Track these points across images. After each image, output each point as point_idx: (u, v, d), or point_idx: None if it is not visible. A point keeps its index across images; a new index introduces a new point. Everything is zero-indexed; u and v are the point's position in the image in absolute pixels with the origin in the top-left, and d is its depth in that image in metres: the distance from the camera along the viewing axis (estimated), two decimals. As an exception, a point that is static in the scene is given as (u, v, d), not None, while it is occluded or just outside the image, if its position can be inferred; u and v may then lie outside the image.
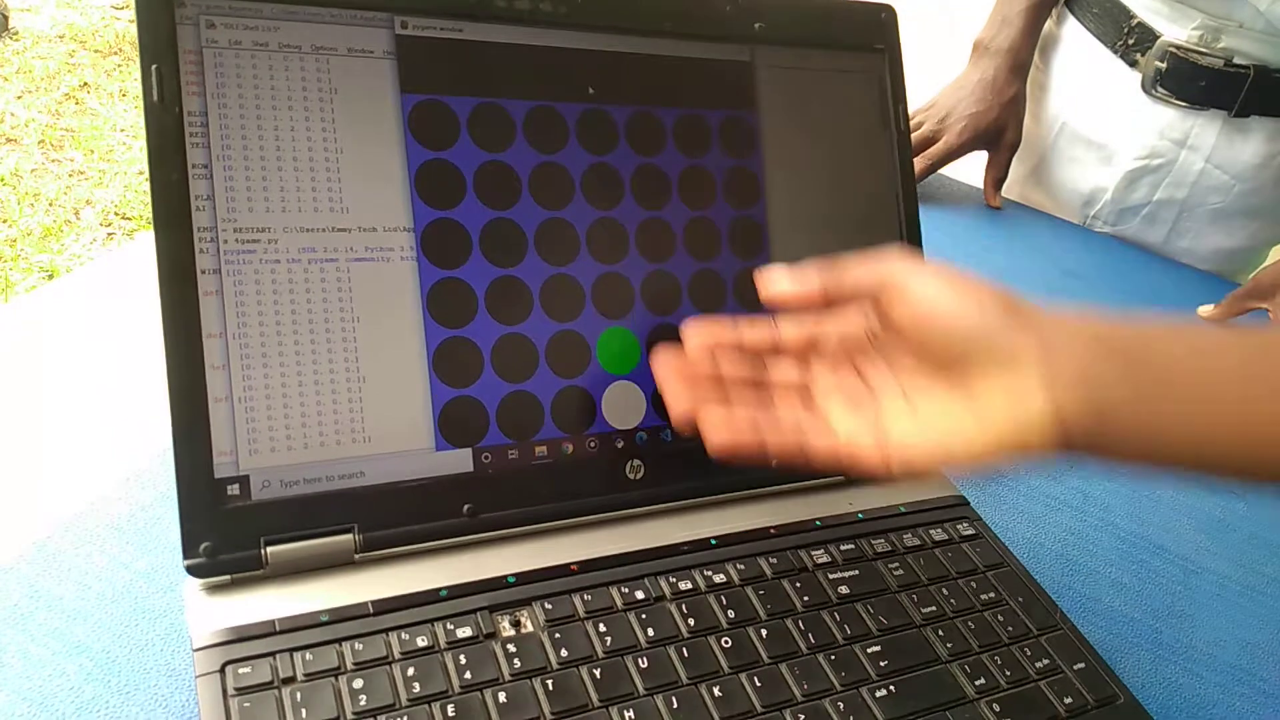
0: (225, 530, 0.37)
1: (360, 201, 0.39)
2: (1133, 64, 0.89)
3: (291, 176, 0.38)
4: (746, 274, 0.47)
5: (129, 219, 2.14)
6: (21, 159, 2.23)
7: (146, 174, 0.36)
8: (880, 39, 0.51)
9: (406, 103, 0.40)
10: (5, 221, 2.04)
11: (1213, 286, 0.91)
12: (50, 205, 2.12)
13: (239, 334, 0.37)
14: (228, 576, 0.37)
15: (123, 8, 2.99)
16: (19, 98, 2.44)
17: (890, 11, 0.51)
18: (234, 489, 0.37)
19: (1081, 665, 0.44)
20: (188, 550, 0.36)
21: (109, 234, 2.09)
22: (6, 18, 2.69)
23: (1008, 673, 0.43)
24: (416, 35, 0.40)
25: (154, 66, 0.36)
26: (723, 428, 0.35)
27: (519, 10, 0.42)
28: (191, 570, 0.36)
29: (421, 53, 0.40)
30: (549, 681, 0.37)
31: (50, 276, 1.91)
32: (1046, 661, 0.44)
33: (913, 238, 0.52)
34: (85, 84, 2.57)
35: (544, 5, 0.43)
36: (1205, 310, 0.84)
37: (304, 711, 0.34)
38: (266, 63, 0.38)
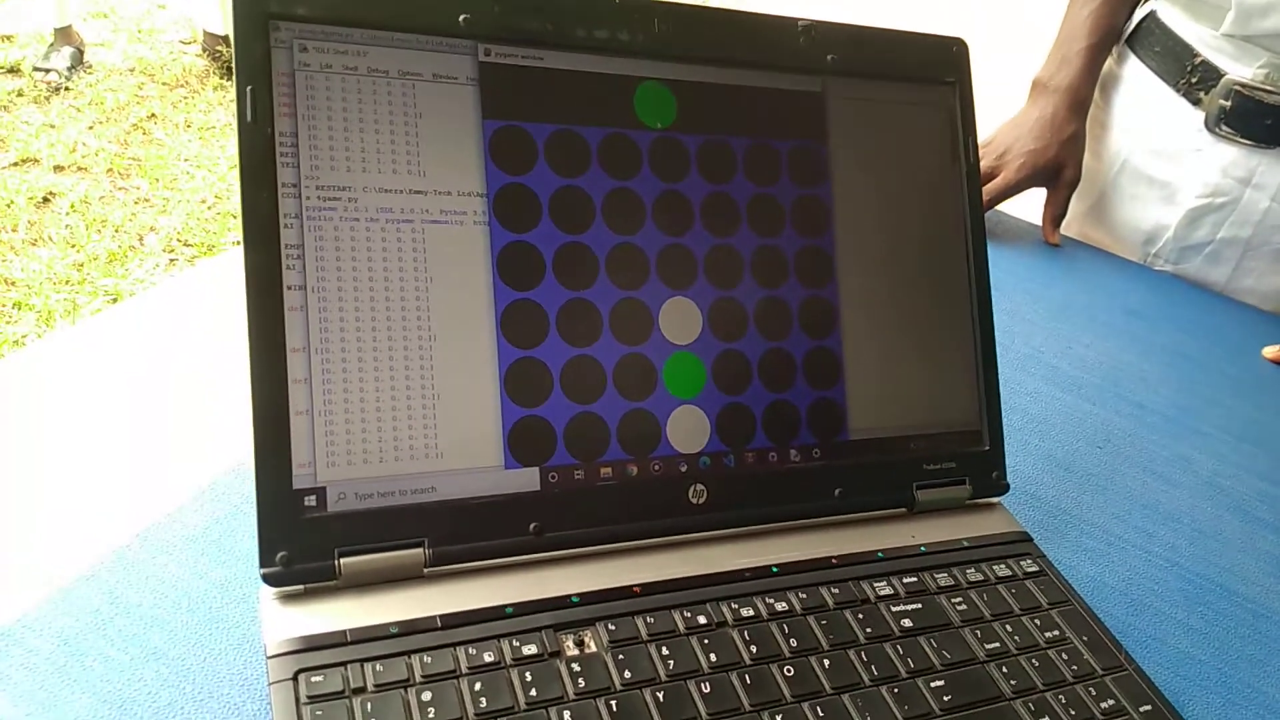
0: (301, 540, 0.37)
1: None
2: (1196, 102, 0.88)
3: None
4: (813, 302, 0.48)
5: (191, 245, 2.20)
6: (91, 187, 2.30)
7: (239, 191, 0.37)
8: (951, 72, 0.52)
9: (488, 128, 0.41)
10: (74, 247, 2.10)
11: (1275, 326, 0.89)
12: (116, 231, 2.18)
13: (321, 348, 0.38)
14: (301, 586, 0.38)
15: (190, 42, 3.09)
16: (90, 128, 2.52)
17: (961, 45, 0.52)
18: (311, 500, 0.38)
19: (1148, 707, 0.43)
20: (264, 559, 0.37)
21: (171, 259, 2.14)
22: (82, 52, 2.79)
23: (1072, 712, 0.42)
24: (499, 63, 0.41)
25: (249, 88, 0.37)
26: None
27: (597, 39, 0.43)
28: (267, 579, 0.37)
29: (503, 80, 0.41)
30: (613, 702, 0.37)
31: (114, 300, 1.96)
32: (1112, 702, 0.43)
33: (980, 271, 0.52)
34: (153, 115, 2.66)
35: (621, 35, 0.44)
36: (1269, 351, 0.83)
37: (374, 721, 0.34)
38: (355, 86, 0.39)
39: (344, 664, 0.35)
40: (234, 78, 0.37)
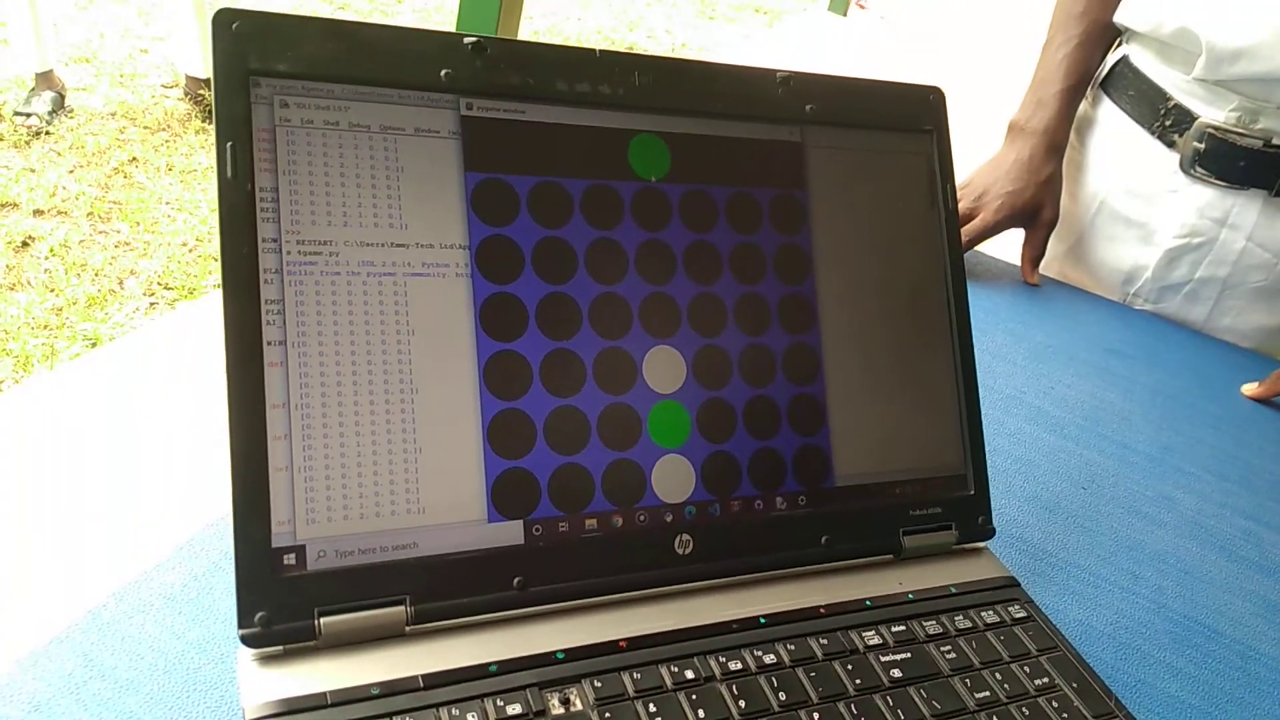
0: (280, 600, 0.37)
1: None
2: (1170, 144, 0.90)
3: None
4: (796, 349, 0.48)
5: (171, 289, 2.19)
6: (71, 231, 2.29)
7: (218, 247, 0.37)
8: (929, 120, 0.52)
9: (470, 181, 0.41)
10: (53, 291, 2.09)
11: (1254, 363, 0.90)
12: (96, 275, 2.17)
13: (301, 404, 0.37)
14: (281, 647, 0.37)
15: (172, 86, 3.10)
16: (71, 172, 2.52)
17: (938, 93, 0.52)
18: (290, 559, 0.37)
19: (1141, 755, 0.43)
20: (243, 620, 0.36)
21: (151, 303, 2.13)
22: (63, 96, 2.79)
23: (1066, 761, 0.42)
24: (481, 116, 0.41)
25: (229, 144, 0.37)
26: None
27: (579, 93, 0.43)
28: (246, 640, 0.36)
29: (485, 133, 0.42)
30: (600, 761, 0.36)
31: (93, 345, 1.94)
32: (1104, 750, 0.43)
33: (961, 316, 0.52)
34: (134, 159, 2.66)
35: (603, 88, 0.44)
36: (1248, 389, 0.84)
37: (356, 787, 0.33)
38: (336, 141, 0.39)
39: (324, 727, 0.35)
40: (214, 134, 0.37)
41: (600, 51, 0.44)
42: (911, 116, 0.52)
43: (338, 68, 0.39)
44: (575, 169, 0.43)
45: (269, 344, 0.37)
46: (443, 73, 0.41)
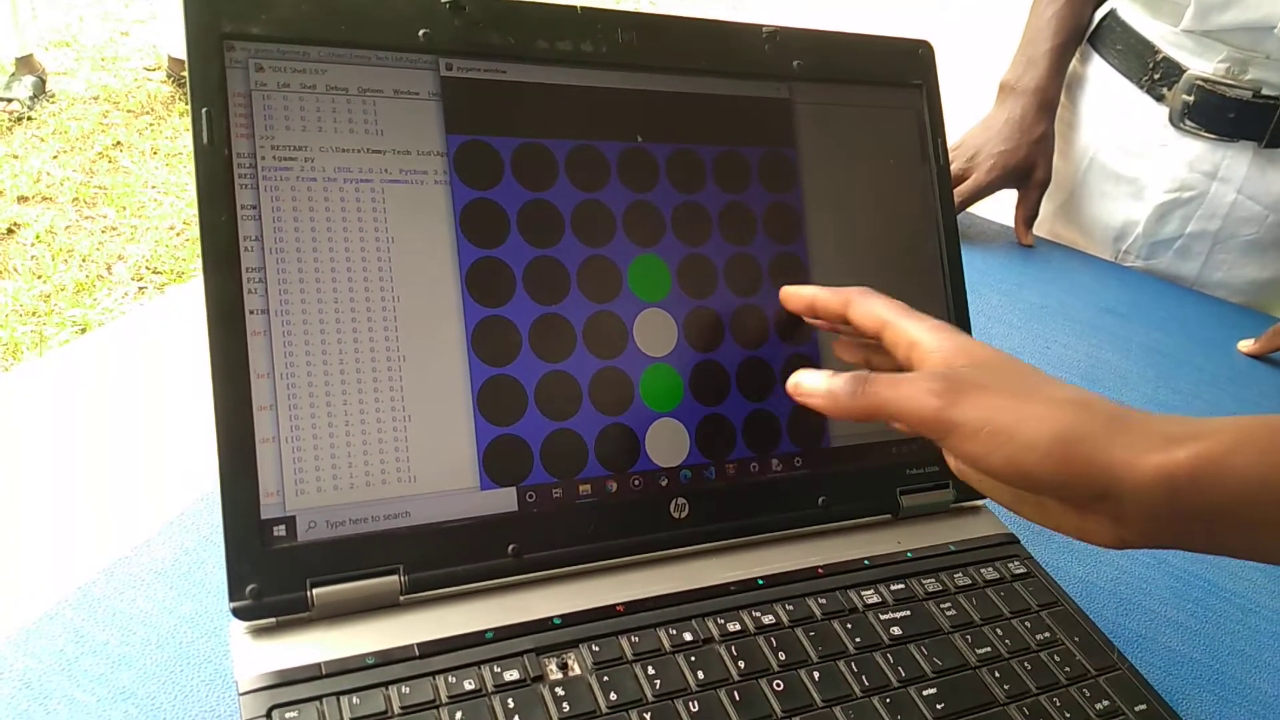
0: (271, 572, 0.36)
1: (403, 230, 0.39)
2: (1159, 98, 0.89)
3: (339, 216, 0.38)
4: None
5: (159, 273, 2.18)
6: (56, 217, 2.27)
7: (196, 215, 0.36)
8: (918, 74, 0.51)
9: (452, 143, 0.40)
10: (40, 277, 2.07)
11: (1249, 319, 0.90)
12: (83, 261, 2.15)
13: (286, 373, 0.37)
14: (273, 619, 0.36)
15: (155, 69, 3.06)
16: (55, 157, 2.49)
17: (927, 47, 0.52)
18: (280, 530, 0.36)
19: (1143, 707, 0.43)
20: (234, 593, 0.36)
21: (140, 288, 2.12)
22: (44, 81, 2.76)
23: (1067, 715, 0.41)
24: (461, 77, 0.41)
25: (204, 109, 0.36)
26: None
27: (561, 51, 0.42)
28: (237, 613, 0.36)
29: (466, 94, 0.41)
30: (599, 726, 0.36)
31: (83, 330, 1.93)
32: (1107, 703, 0.42)
33: (954, 272, 0.51)
34: (118, 143, 2.63)
35: (585, 46, 0.43)
36: (1245, 345, 0.83)
37: (353, 757, 0.33)
38: (314, 104, 0.38)
39: (319, 698, 0.34)
40: (189, 100, 0.36)
41: (582, 8, 0.43)
42: (900, 70, 0.51)
43: (313, 29, 0.38)
44: (559, 129, 0.42)
45: (251, 313, 0.36)
46: (421, 33, 0.40)
